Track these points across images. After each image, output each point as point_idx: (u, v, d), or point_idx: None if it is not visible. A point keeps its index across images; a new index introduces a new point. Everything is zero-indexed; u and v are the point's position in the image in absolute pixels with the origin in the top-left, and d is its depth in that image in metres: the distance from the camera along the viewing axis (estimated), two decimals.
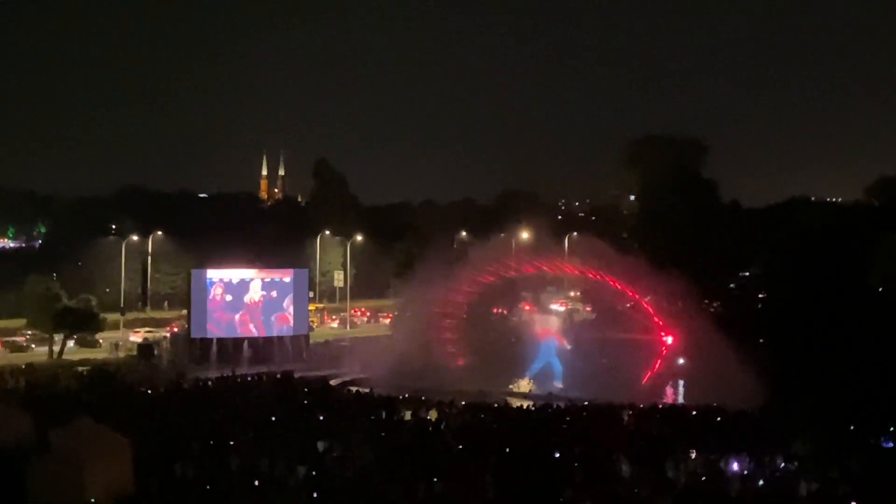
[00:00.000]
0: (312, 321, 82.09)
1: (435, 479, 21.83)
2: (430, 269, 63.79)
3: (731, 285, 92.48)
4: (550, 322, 67.88)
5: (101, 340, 72.15)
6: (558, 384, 55.09)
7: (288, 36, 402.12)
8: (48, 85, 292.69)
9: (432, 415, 35.33)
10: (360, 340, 73.75)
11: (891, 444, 30.54)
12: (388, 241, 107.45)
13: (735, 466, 26.31)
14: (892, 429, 31.60)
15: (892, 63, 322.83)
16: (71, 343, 69.93)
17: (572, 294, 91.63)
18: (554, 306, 75.88)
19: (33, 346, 69.40)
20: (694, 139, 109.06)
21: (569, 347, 61.69)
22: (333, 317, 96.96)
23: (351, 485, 21.79)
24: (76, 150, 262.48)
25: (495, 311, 76.85)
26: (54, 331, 66.17)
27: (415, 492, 20.57)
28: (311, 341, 69.84)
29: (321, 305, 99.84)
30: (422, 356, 57.74)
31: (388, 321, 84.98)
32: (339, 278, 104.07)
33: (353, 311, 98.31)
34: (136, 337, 74.30)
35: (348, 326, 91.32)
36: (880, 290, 66.00)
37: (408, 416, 35.18)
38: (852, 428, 32.18)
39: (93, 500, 19.03)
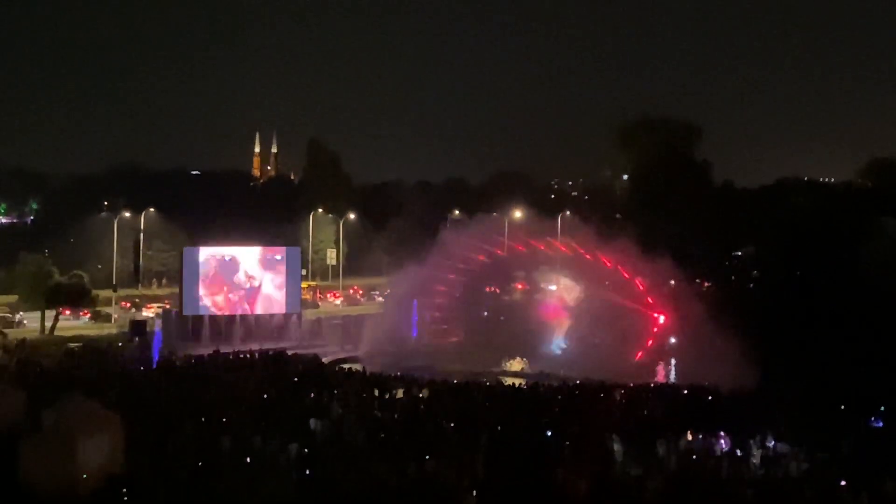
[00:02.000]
0: (306, 297, 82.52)
1: (426, 458, 21.87)
2: (422, 248, 63.77)
3: (724, 265, 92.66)
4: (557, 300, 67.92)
5: (116, 316, 72.73)
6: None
7: (282, 14, 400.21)
8: (40, 62, 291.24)
9: (424, 393, 35.34)
10: (353, 318, 73.71)
11: (881, 424, 30.68)
12: (380, 219, 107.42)
13: (726, 446, 26.43)
14: (881, 409, 31.72)
15: (885, 44, 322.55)
16: (86, 317, 70.94)
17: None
18: (552, 286, 75.76)
19: (25, 321, 69.22)
20: (687, 120, 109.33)
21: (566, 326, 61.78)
22: (337, 293, 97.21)
23: (342, 463, 21.82)
24: (68, 128, 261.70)
25: (488, 289, 76.84)
26: (46, 307, 66.09)
27: (406, 470, 20.61)
28: (308, 318, 69.90)
29: (314, 283, 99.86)
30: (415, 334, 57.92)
31: (380, 299, 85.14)
32: (331, 256, 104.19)
33: (352, 289, 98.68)
34: (149, 312, 74.82)
35: (340, 304, 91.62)
36: (871, 271, 66.16)
37: (400, 394, 35.21)
38: (843, 408, 32.32)
39: (84, 477, 19.04)
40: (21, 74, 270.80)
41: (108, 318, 72.21)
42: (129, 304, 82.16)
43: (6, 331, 62.92)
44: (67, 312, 69.47)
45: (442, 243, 64.79)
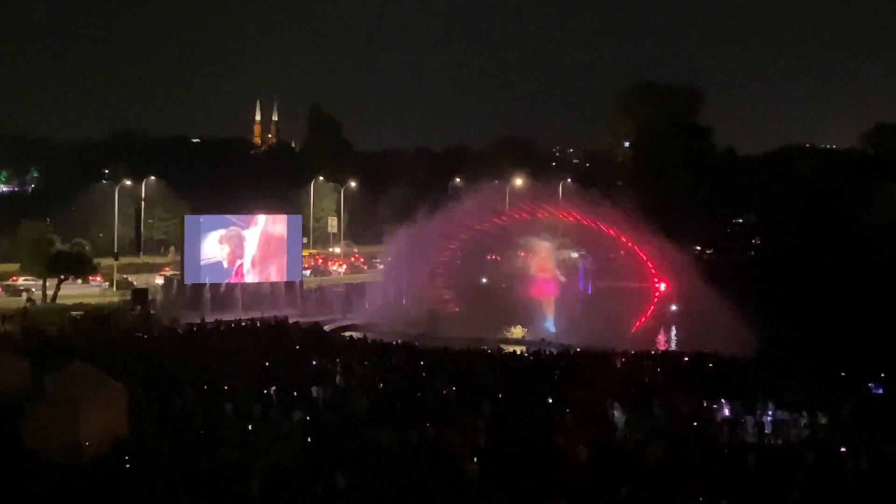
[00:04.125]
0: (316, 264, 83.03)
1: (428, 425, 21.92)
2: (423, 216, 63.71)
3: (726, 232, 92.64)
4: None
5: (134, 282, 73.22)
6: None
7: None
8: (39, 28, 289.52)
9: (426, 361, 35.34)
10: (354, 286, 73.80)
11: (881, 391, 30.73)
12: (381, 187, 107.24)
13: (727, 412, 26.48)
14: (882, 375, 31.77)
15: (889, 9, 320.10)
16: (105, 284, 72.36)
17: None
18: (571, 253, 75.58)
19: (33, 289, 69.20)
20: (689, 86, 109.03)
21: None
22: (341, 261, 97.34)
23: (344, 430, 21.86)
24: (68, 95, 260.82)
25: (489, 257, 76.77)
26: (48, 275, 66.21)
27: (407, 438, 20.65)
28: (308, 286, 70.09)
29: (315, 251, 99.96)
30: (415, 302, 57.96)
31: (381, 267, 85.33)
32: (332, 224, 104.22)
33: (354, 257, 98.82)
34: (161, 279, 75.13)
35: (342, 272, 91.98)
36: (873, 237, 66.12)
37: (401, 362, 35.23)
38: (843, 374, 32.38)
39: (87, 444, 19.09)
40: (22, 41, 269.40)
41: (128, 284, 72.20)
42: (169, 270, 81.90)
43: (8, 299, 63.24)
44: (99, 279, 72.25)
45: (442, 211, 64.71)
